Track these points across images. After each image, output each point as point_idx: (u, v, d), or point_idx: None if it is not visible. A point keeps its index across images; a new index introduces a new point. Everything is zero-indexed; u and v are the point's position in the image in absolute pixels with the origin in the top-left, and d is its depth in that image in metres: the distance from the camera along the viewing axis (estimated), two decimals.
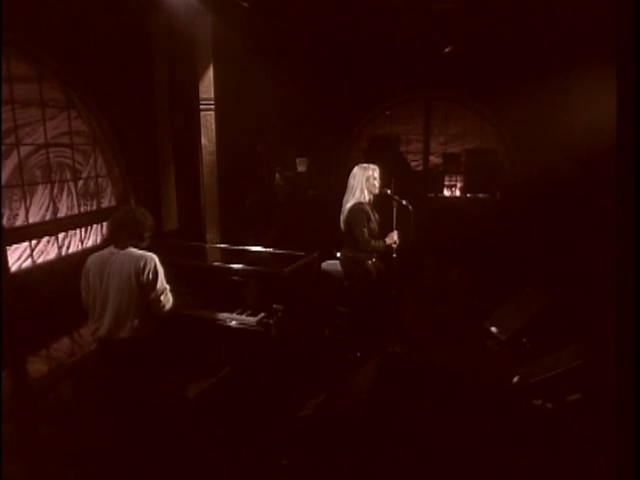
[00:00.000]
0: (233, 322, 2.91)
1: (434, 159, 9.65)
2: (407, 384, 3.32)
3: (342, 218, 3.82)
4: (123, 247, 2.61)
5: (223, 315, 2.94)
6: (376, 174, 3.72)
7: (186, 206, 6.39)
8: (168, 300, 2.66)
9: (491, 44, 7.41)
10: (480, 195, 8.93)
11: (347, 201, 3.77)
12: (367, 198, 3.73)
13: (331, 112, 8.38)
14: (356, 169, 3.78)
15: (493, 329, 4.20)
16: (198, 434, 2.60)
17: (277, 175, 7.85)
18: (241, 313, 2.95)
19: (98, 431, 2.94)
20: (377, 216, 3.81)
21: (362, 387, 2.79)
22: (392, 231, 3.74)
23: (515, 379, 3.32)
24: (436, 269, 6.14)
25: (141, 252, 2.61)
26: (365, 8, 6.71)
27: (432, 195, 9.05)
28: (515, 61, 7.51)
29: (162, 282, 2.62)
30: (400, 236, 3.74)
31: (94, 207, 5.69)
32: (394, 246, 3.73)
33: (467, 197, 9.05)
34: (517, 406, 3.13)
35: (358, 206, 3.67)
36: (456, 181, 9.50)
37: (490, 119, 9.05)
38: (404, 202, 3.69)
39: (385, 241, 3.70)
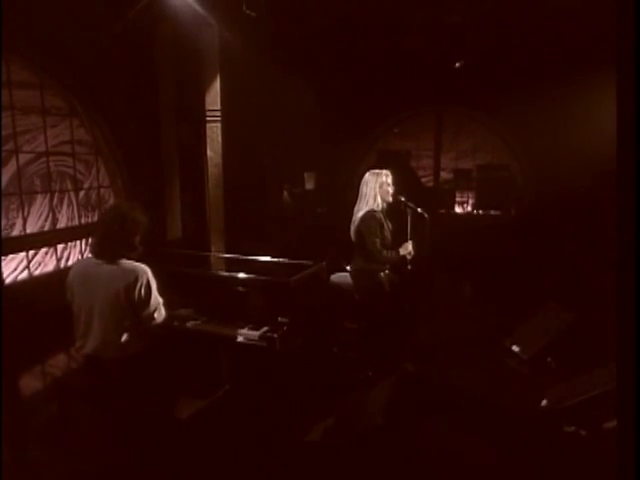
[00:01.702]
0: (234, 336, 2.67)
1: (445, 175, 9.45)
2: (424, 407, 3.04)
3: (353, 228, 3.59)
4: (111, 260, 2.31)
5: (223, 328, 2.70)
6: (389, 180, 3.51)
7: (191, 219, 6.22)
8: (161, 315, 2.42)
9: (502, 58, 7.29)
10: (492, 212, 8.72)
11: (359, 209, 3.56)
12: (380, 206, 3.51)
13: (340, 126, 8.25)
14: (368, 175, 3.57)
15: (514, 347, 3.91)
16: (191, 460, 2.33)
17: (285, 192, 7.68)
18: (243, 326, 2.71)
19: (85, 454, 2.69)
20: (390, 225, 3.58)
21: (377, 409, 2.51)
22: (406, 241, 3.51)
23: (543, 402, 3.03)
24: (448, 285, 5.91)
25: (131, 265, 2.32)
26: (375, 22, 6.64)
27: (443, 211, 8.84)
28: (526, 75, 7.37)
29: (156, 297, 2.36)
30: (415, 247, 3.51)
31: (96, 219, 5.51)
32: (409, 257, 3.49)
33: (479, 214, 8.83)
34: (547, 433, 2.83)
35: (370, 214, 3.45)
36: (468, 197, 9.29)
37: (501, 134, 8.86)
38: (419, 210, 3.47)
39: (399, 251, 3.46)
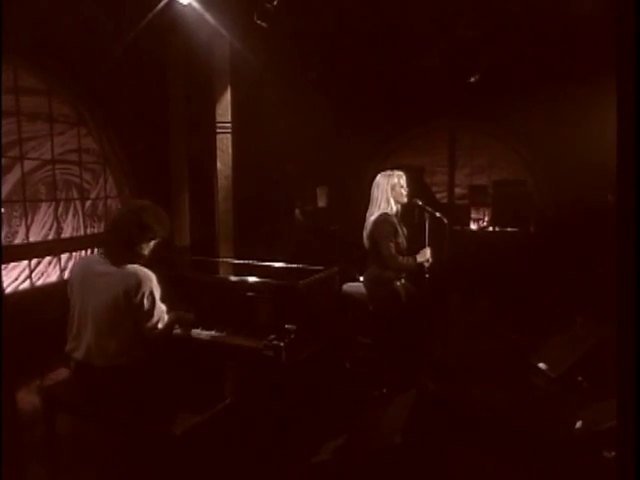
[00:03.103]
0: (237, 344, 2.45)
1: (459, 191, 9.26)
2: (446, 427, 2.76)
3: (365, 233, 3.39)
4: (115, 263, 2.18)
5: (226, 336, 2.49)
6: (403, 181, 3.31)
7: (200, 231, 6.07)
8: (164, 323, 2.26)
9: (517, 72, 7.17)
10: (509, 229, 8.46)
11: (371, 214, 3.36)
12: (394, 209, 3.31)
13: (353, 141, 8.14)
14: (379, 177, 3.38)
15: (541, 365, 3.62)
16: None
17: (297, 210, 7.53)
18: (247, 334, 2.49)
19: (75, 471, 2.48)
20: (405, 230, 3.37)
21: (395, 428, 2.26)
22: (424, 247, 3.29)
23: (577, 424, 2.73)
24: (467, 301, 5.65)
25: (135, 270, 2.17)
26: (388, 36, 6.57)
27: (458, 228, 8.60)
28: (542, 89, 7.23)
29: (159, 307, 2.21)
30: (433, 254, 3.28)
31: (102, 229, 5.39)
32: (426, 265, 3.27)
33: (496, 230, 8.57)
34: (583, 458, 2.54)
35: (383, 217, 3.24)
36: (483, 214, 9.06)
37: (517, 149, 8.69)
38: (438, 214, 3.26)
39: (416, 258, 3.23)
